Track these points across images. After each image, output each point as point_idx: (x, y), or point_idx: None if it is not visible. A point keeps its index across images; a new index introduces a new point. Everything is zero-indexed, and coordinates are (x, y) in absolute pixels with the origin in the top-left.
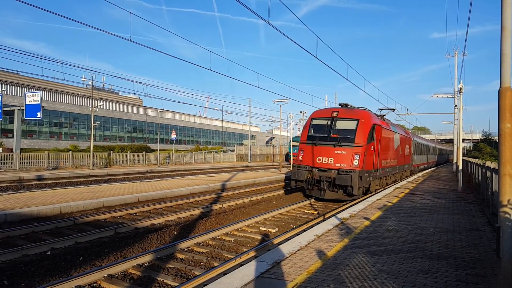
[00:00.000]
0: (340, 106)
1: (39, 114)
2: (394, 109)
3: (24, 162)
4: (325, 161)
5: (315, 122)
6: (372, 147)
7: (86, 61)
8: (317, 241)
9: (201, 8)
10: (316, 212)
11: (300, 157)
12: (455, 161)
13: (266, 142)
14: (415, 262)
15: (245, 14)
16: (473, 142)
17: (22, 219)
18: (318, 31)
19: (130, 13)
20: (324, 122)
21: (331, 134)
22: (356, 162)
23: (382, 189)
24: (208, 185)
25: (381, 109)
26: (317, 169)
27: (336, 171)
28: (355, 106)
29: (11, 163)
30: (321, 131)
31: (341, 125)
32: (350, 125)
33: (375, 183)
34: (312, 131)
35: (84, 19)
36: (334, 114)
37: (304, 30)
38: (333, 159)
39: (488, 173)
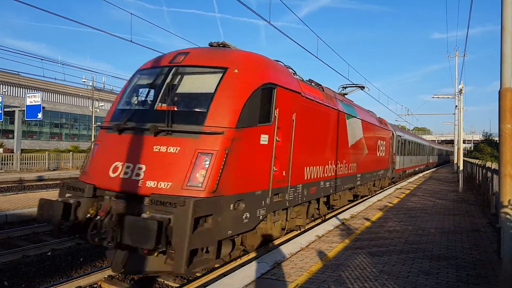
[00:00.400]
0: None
1: (39, 115)
2: (363, 87)
3: (25, 163)
4: (127, 172)
5: (141, 80)
6: (264, 137)
7: (87, 61)
8: (317, 242)
9: (202, 8)
10: None
11: (87, 163)
12: (455, 161)
13: None
14: (416, 263)
15: (246, 15)
16: (473, 143)
17: (23, 220)
18: (318, 31)
19: (131, 14)
20: (152, 79)
21: (158, 104)
22: (200, 174)
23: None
24: None
25: (344, 86)
26: (111, 195)
27: (149, 199)
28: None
29: (12, 164)
30: (143, 100)
31: (186, 84)
32: (205, 82)
33: (275, 220)
34: (127, 101)
35: (85, 19)
36: (180, 58)
37: (304, 31)
38: (144, 167)
39: (489, 174)
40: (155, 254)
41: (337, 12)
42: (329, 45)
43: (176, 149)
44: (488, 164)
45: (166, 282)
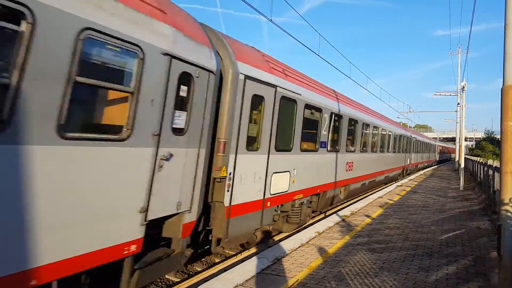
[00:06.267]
0: None
1: None
2: None
3: None
4: None
5: None
6: None
7: None
8: (318, 238)
9: (204, 4)
10: None
11: None
12: (457, 159)
13: None
14: (416, 259)
15: (248, 10)
16: (475, 141)
17: None
18: (321, 28)
19: None
20: None
21: None
22: None
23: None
24: None
25: None
26: None
27: None
28: None
29: None
30: None
31: None
32: None
33: None
34: None
35: None
36: None
37: (307, 27)
38: None
39: (490, 172)
40: None
41: (339, 7)
42: (331, 43)
43: None
44: (490, 162)
45: (167, 277)
